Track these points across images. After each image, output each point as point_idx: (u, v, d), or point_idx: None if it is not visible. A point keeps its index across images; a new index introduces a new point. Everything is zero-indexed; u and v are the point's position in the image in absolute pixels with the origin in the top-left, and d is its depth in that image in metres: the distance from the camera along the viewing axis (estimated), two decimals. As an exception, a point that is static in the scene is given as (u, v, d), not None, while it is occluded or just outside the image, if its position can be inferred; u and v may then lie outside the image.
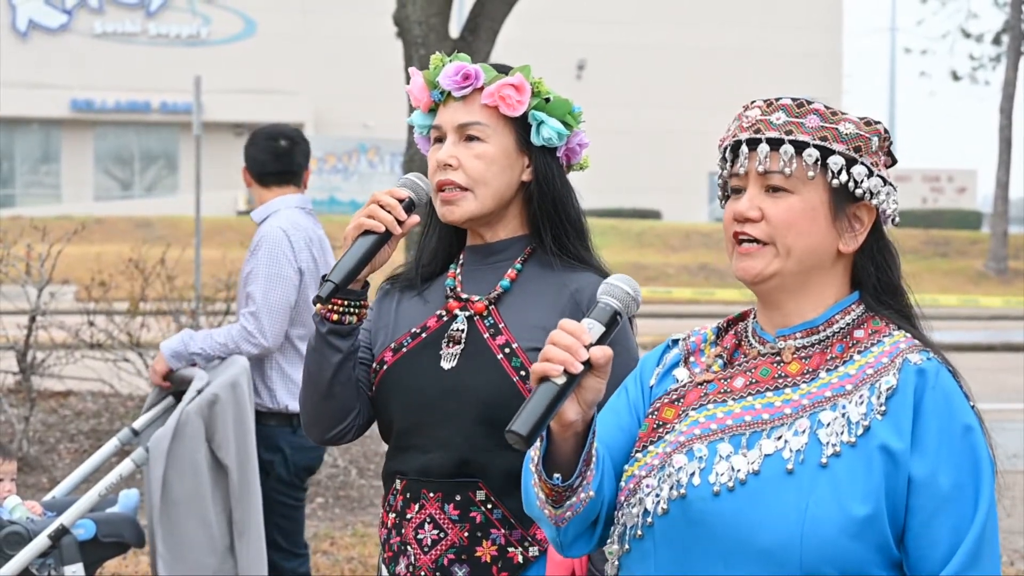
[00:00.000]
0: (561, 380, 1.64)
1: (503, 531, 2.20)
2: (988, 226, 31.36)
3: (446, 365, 2.24)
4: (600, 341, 1.68)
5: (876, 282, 1.80)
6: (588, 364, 1.66)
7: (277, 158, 4.32)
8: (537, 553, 2.19)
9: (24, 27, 34.04)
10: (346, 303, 2.21)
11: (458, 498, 2.21)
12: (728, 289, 21.26)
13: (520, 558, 2.20)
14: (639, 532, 1.73)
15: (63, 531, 3.73)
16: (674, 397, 1.82)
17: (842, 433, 1.68)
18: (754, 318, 1.85)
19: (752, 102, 1.82)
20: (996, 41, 32.15)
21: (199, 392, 3.94)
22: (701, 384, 1.81)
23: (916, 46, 51.20)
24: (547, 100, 2.26)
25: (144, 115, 34.40)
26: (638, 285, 1.76)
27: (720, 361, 1.83)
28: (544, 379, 1.64)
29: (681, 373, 1.85)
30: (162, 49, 34.42)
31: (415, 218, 2.23)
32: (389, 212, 2.18)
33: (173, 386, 4.16)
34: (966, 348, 17.13)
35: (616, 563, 1.78)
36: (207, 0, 34.87)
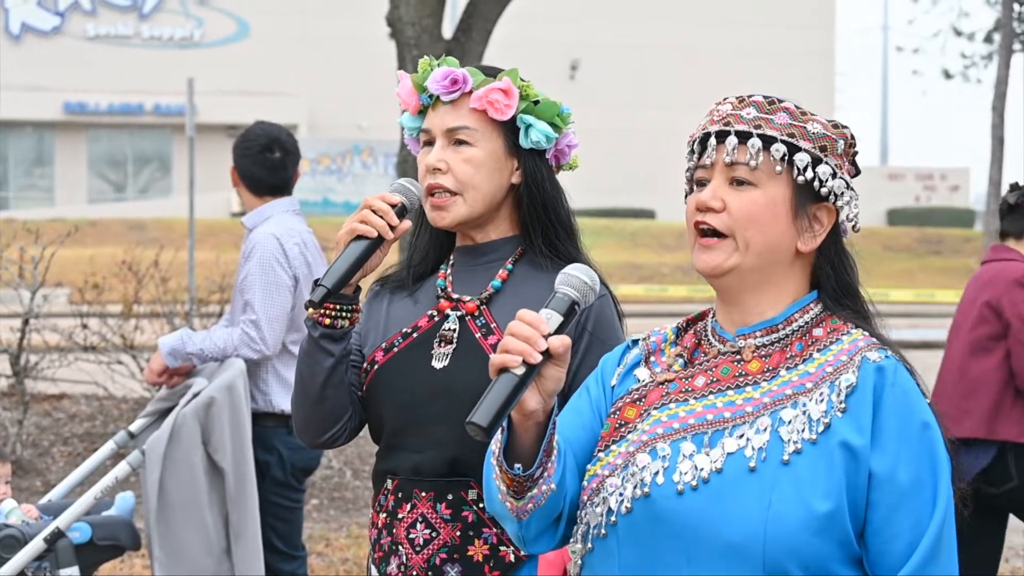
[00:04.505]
0: (520, 371, 1.65)
1: (495, 530, 2.20)
2: (981, 224, 31.38)
3: (437, 365, 2.25)
4: (559, 330, 1.69)
5: (835, 284, 1.81)
6: (547, 354, 1.66)
7: (273, 172, 4.32)
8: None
9: (17, 30, 33.98)
10: (338, 307, 2.22)
11: (450, 497, 2.21)
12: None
13: (512, 557, 2.21)
14: (602, 531, 1.74)
15: (59, 534, 3.73)
16: (636, 397, 1.83)
17: (803, 430, 1.70)
18: (713, 317, 1.86)
19: (724, 98, 1.84)
20: (988, 39, 32.19)
21: (195, 395, 3.93)
22: (662, 383, 1.82)
23: (908, 44, 51.28)
24: (536, 103, 2.27)
25: (137, 117, 34.36)
26: (595, 275, 1.77)
27: (681, 360, 1.84)
28: (503, 370, 1.65)
29: (642, 373, 1.86)
30: (155, 51, 34.38)
31: (407, 223, 2.23)
32: (381, 217, 2.19)
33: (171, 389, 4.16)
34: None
35: (579, 562, 1.79)
36: (200, 2, 34.82)
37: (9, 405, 7.86)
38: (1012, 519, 4.37)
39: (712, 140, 1.79)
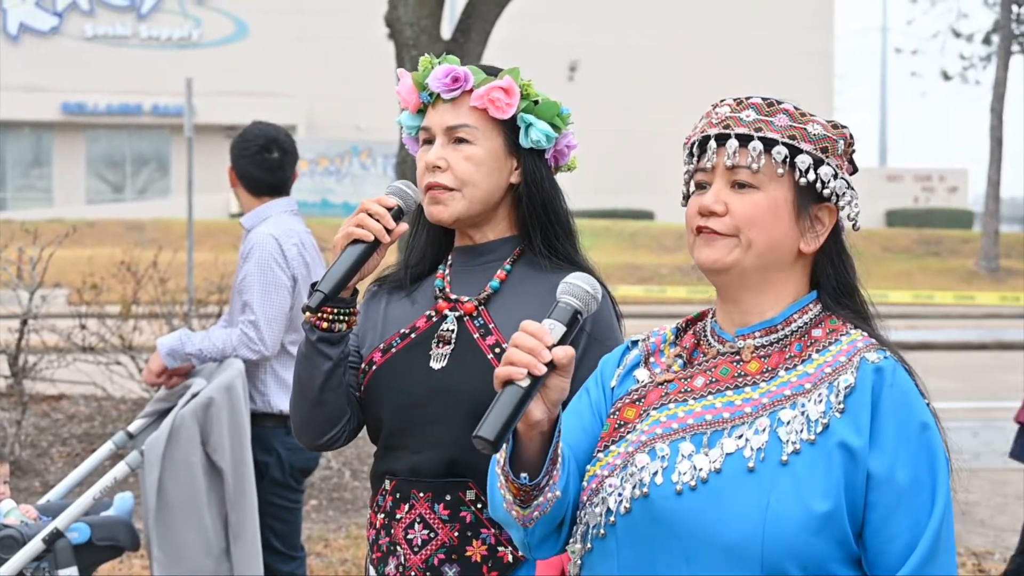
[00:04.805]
0: (525, 383, 1.65)
1: (493, 531, 2.21)
2: (979, 225, 31.45)
3: (436, 365, 2.25)
4: (562, 341, 1.69)
5: (835, 283, 1.82)
6: (551, 364, 1.67)
7: (271, 172, 4.32)
8: (527, 552, 2.20)
9: (15, 30, 33.97)
10: (336, 311, 2.21)
11: (448, 498, 2.22)
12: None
13: (510, 557, 2.21)
14: (602, 531, 1.75)
15: (57, 535, 3.72)
16: (635, 397, 1.84)
17: (802, 431, 1.70)
18: (712, 317, 1.87)
19: (722, 100, 1.84)
20: (986, 41, 32.24)
21: (194, 396, 3.93)
22: (662, 384, 1.83)
23: (907, 46, 51.29)
24: (536, 102, 2.27)
25: (136, 118, 34.34)
26: (597, 283, 1.77)
27: (680, 361, 1.85)
28: (508, 382, 1.65)
29: (641, 374, 1.87)
30: (153, 52, 34.37)
31: (403, 226, 2.23)
32: (378, 221, 2.18)
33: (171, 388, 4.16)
34: (959, 347, 17.17)
35: (579, 562, 1.80)
36: (198, 2, 34.81)
37: (8, 406, 7.85)
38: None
39: (712, 143, 1.79)
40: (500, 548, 2.21)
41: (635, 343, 1.92)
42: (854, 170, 1.84)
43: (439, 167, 2.25)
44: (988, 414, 10.98)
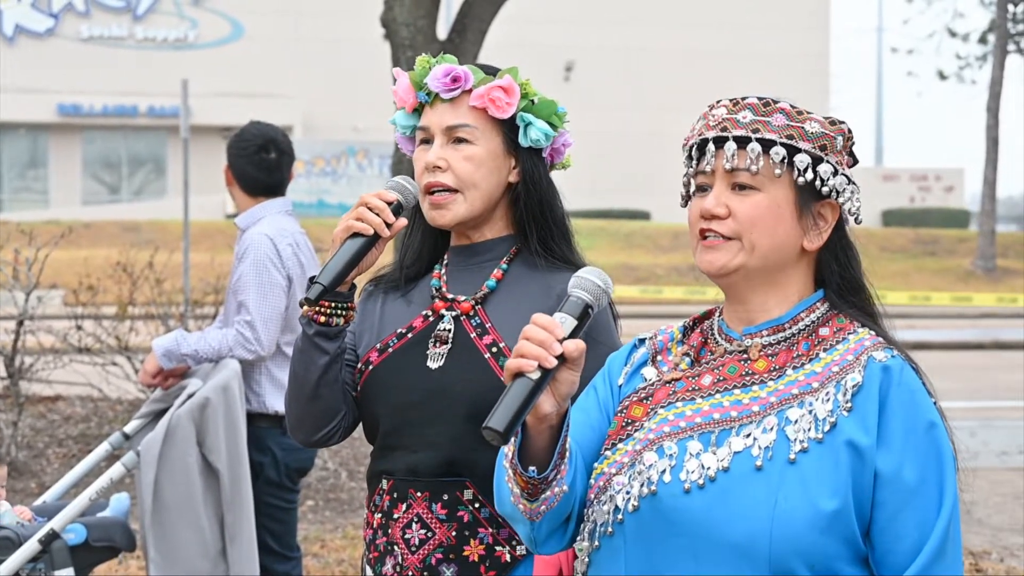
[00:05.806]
0: (536, 375, 1.65)
1: (491, 530, 2.20)
2: (976, 224, 31.47)
3: (433, 365, 2.24)
4: (572, 334, 1.70)
5: (840, 280, 1.83)
6: (562, 358, 1.67)
7: (268, 173, 4.32)
8: (524, 552, 2.20)
9: (11, 31, 33.94)
10: (333, 305, 2.21)
11: (445, 497, 2.21)
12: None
13: (508, 557, 2.21)
14: (610, 529, 1.75)
15: (53, 536, 3.72)
16: (643, 395, 1.84)
17: (809, 430, 1.71)
18: (720, 316, 1.87)
19: (718, 101, 1.84)
20: (982, 40, 32.27)
21: (190, 396, 3.93)
22: (669, 382, 1.83)
23: (903, 46, 51.33)
24: (533, 101, 2.27)
25: (132, 119, 34.31)
26: (608, 277, 1.77)
27: (687, 359, 1.85)
28: (519, 374, 1.65)
29: (649, 372, 1.88)
30: (149, 53, 34.34)
31: (403, 221, 2.23)
32: (377, 215, 2.18)
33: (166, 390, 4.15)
34: (956, 346, 17.18)
35: (586, 560, 1.80)
36: (194, 3, 34.78)
37: (4, 407, 7.84)
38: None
39: (710, 146, 1.79)
40: (498, 548, 2.20)
41: (642, 341, 1.93)
42: (854, 162, 1.84)
43: (439, 167, 2.25)
44: (986, 413, 10.99)
